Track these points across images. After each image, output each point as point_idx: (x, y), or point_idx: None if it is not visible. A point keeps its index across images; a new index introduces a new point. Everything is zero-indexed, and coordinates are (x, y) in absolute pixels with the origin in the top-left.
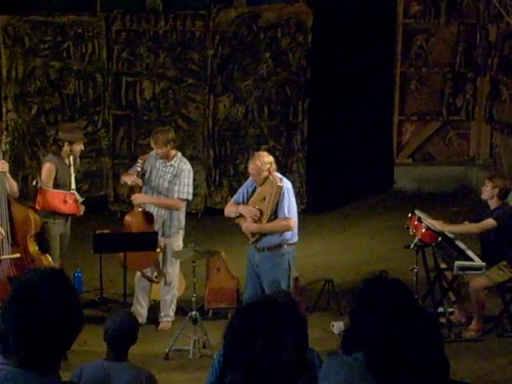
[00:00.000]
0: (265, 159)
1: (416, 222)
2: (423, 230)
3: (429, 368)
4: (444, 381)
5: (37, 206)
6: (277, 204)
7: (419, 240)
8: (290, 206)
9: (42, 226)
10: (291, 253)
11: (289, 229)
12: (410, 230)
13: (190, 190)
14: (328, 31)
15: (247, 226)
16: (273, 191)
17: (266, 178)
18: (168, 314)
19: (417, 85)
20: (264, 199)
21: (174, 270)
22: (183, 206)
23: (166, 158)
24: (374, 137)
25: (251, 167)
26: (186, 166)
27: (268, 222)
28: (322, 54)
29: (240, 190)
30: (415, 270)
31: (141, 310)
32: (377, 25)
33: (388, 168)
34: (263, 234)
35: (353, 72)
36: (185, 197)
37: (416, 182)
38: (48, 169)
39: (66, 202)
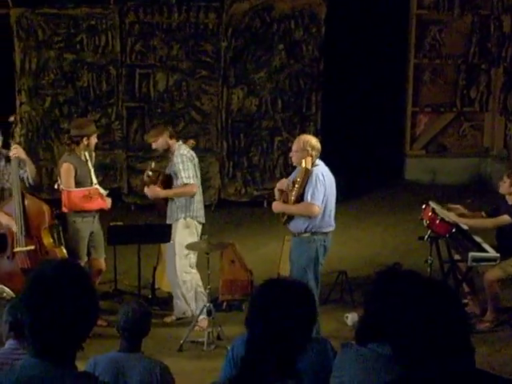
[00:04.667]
0: (309, 141)
1: (430, 214)
2: (437, 222)
3: (453, 354)
4: (470, 368)
5: (64, 209)
6: (304, 188)
7: (433, 231)
8: (315, 192)
9: (66, 225)
10: (321, 241)
11: (311, 214)
12: (424, 222)
13: (186, 173)
14: (341, 23)
15: (274, 205)
16: (302, 173)
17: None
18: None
19: (430, 76)
20: (297, 181)
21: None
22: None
23: (170, 150)
24: (387, 128)
25: (294, 145)
26: (179, 152)
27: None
28: (335, 46)
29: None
30: (429, 262)
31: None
32: (390, 16)
33: (402, 160)
34: (290, 218)
35: (366, 63)
36: (184, 181)
37: (430, 173)
38: (66, 170)
39: (90, 197)
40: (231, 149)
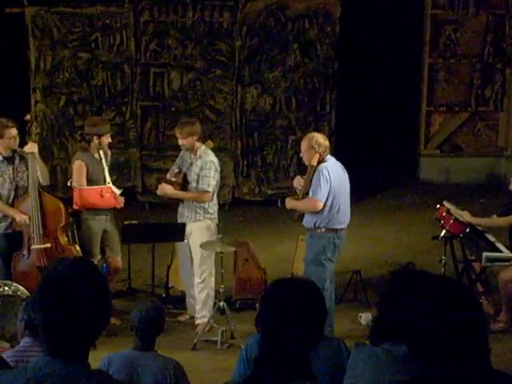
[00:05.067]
0: (315, 139)
1: (444, 213)
2: (451, 221)
3: (469, 354)
4: (485, 368)
5: (75, 206)
6: (310, 184)
7: (447, 231)
8: (318, 188)
9: (79, 223)
10: (330, 238)
11: (313, 209)
12: (438, 221)
13: (209, 181)
14: (356, 22)
15: (286, 201)
16: (308, 170)
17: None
18: (204, 315)
19: (445, 75)
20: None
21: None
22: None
23: (192, 150)
24: (402, 128)
25: (302, 144)
26: (208, 157)
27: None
28: (349, 45)
29: None
30: (443, 262)
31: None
32: (405, 15)
33: (416, 159)
34: (301, 214)
35: (381, 63)
36: (205, 189)
37: (444, 173)
38: (78, 167)
39: (102, 196)
40: (245, 148)
